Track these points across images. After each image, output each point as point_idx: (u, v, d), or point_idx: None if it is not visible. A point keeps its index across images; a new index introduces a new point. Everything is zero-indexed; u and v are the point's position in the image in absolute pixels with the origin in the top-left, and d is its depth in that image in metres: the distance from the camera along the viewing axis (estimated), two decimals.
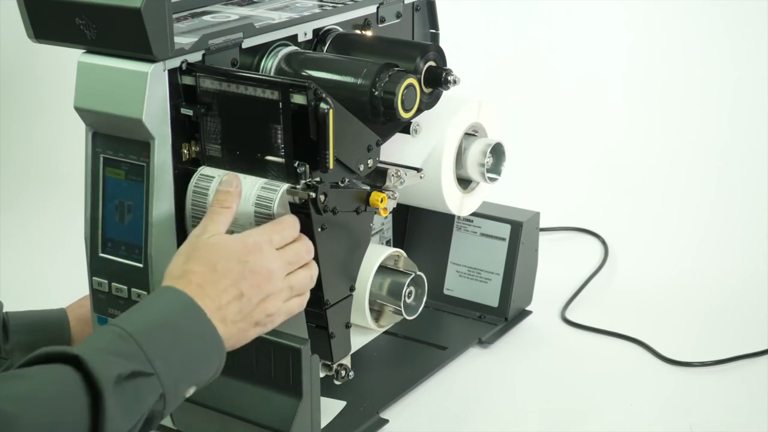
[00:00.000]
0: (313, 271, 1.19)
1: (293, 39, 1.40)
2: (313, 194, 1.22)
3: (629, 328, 1.64)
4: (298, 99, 1.19)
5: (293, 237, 1.18)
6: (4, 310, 1.46)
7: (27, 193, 2.23)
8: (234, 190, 1.18)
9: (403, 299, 1.45)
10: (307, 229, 1.27)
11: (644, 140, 2.16)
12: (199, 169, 1.26)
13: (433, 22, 1.63)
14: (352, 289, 1.36)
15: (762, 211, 1.97)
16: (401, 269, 1.48)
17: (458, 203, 1.55)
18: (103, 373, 0.96)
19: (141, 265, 1.26)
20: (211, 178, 1.24)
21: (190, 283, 1.08)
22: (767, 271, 1.81)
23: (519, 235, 1.63)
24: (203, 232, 1.14)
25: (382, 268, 1.47)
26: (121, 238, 1.27)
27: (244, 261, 1.11)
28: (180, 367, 1.03)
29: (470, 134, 1.53)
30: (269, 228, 1.16)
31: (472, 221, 1.66)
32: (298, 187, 1.22)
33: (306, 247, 1.19)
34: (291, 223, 1.18)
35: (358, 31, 1.50)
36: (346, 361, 1.37)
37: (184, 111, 1.24)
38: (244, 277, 1.11)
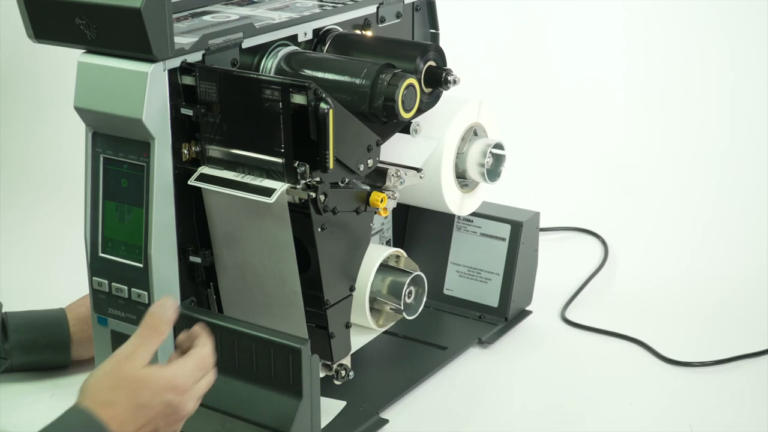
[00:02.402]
0: (212, 378, 1.15)
1: (293, 39, 1.39)
2: (313, 194, 1.22)
3: (629, 328, 1.63)
4: (298, 99, 1.19)
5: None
6: (4, 310, 1.47)
7: (27, 193, 2.23)
8: (170, 316, 1.12)
9: (403, 299, 1.45)
10: (307, 229, 1.27)
11: (644, 141, 2.16)
12: (199, 168, 1.26)
13: (433, 22, 1.63)
14: (352, 289, 1.36)
15: (762, 211, 1.97)
16: (401, 269, 1.48)
17: (458, 203, 1.55)
18: None
19: (141, 265, 1.26)
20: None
21: (113, 420, 1.05)
22: (767, 271, 1.81)
23: (519, 235, 1.63)
24: (132, 358, 1.09)
25: (383, 268, 1.47)
26: (121, 238, 1.27)
27: (168, 402, 1.09)
28: None
29: (470, 134, 1.53)
30: (195, 365, 1.12)
31: (472, 221, 1.66)
32: (298, 187, 1.22)
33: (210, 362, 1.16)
34: (209, 354, 1.14)
35: (358, 31, 1.50)
36: (346, 361, 1.37)
37: (184, 111, 1.24)
38: (164, 415, 1.09)
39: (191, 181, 1.25)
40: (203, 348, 1.14)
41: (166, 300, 1.13)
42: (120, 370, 1.08)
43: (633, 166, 2.13)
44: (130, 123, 1.22)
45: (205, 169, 1.26)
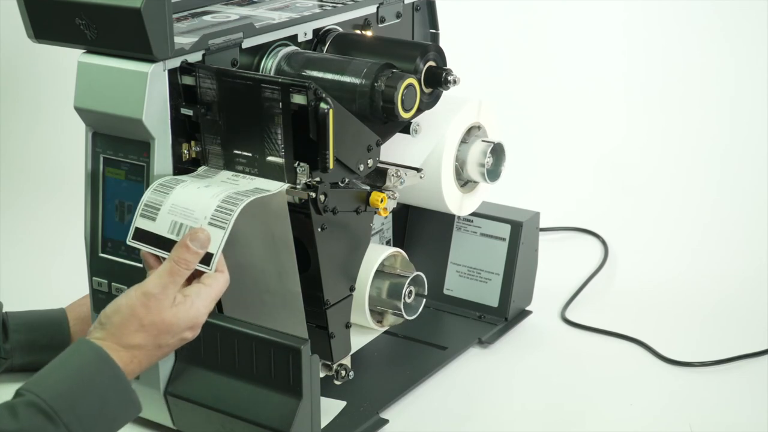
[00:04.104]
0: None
1: (293, 39, 1.40)
2: (313, 194, 1.22)
3: (629, 328, 1.63)
4: (298, 99, 1.19)
5: None
6: (4, 310, 1.47)
7: (27, 193, 2.23)
8: (201, 251, 1.14)
9: (403, 299, 1.45)
10: (307, 229, 1.27)
11: (644, 141, 2.16)
12: (199, 168, 1.26)
13: (433, 22, 1.63)
14: (352, 289, 1.36)
15: (762, 211, 1.97)
16: (401, 269, 1.48)
17: (458, 203, 1.55)
18: None
19: (141, 266, 1.26)
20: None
21: (133, 360, 1.11)
22: (767, 271, 1.81)
23: (519, 235, 1.63)
24: (161, 298, 1.11)
25: (382, 270, 1.47)
26: (121, 238, 1.27)
27: (184, 338, 1.15)
28: None
29: (470, 134, 1.53)
30: (213, 297, 1.15)
31: (472, 221, 1.66)
32: (297, 187, 1.22)
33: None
34: (226, 281, 1.18)
35: (358, 31, 1.50)
36: (346, 361, 1.37)
37: (184, 111, 1.25)
38: (175, 347, 1.16)
39: (129, 241, 1.20)
40: (221, 276, 1.16)
41: (198, 233, 1.14)
42: (148, 314, 1.11)
43: (633, 166, 2.13)
44: (130, 123, 1.22)
45: (202, 170, 1.26)
